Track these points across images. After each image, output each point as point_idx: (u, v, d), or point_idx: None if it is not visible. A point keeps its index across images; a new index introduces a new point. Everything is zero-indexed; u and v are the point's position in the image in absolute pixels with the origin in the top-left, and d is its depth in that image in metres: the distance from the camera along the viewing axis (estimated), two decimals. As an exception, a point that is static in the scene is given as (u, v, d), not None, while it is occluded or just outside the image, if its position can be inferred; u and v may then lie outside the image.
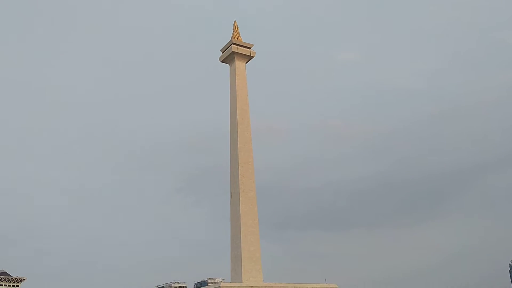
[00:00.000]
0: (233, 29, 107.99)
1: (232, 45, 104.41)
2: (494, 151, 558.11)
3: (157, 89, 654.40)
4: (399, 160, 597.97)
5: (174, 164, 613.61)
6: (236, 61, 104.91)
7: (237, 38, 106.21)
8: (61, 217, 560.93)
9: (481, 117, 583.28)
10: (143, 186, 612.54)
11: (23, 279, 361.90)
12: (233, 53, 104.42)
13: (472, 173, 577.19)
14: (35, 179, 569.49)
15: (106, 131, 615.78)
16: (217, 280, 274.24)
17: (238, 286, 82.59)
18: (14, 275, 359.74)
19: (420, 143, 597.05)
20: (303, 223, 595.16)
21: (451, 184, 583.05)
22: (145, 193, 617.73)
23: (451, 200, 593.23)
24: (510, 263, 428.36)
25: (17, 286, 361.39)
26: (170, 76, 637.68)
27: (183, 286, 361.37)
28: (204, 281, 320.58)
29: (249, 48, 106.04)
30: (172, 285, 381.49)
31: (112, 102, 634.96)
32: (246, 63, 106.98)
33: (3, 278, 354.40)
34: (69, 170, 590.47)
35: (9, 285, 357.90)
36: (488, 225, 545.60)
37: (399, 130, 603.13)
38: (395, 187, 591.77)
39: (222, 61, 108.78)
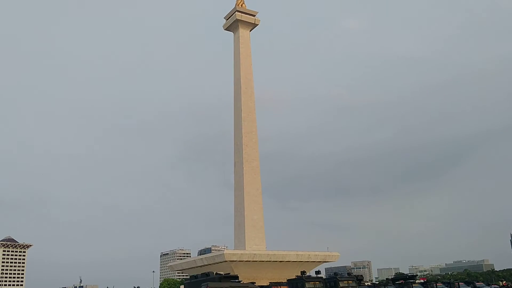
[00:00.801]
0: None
1: (236, 12, 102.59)
2: (499, 119, 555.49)
3: (162, 59, 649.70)
4: (402, 128, 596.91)
5: (179, 133, 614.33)
6: (240, 29, 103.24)
7: (241, 6, 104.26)
8: (68, 184, 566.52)
9: (486, 85, 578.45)
10: (148, 153, 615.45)
11: (30, 245, 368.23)
12: (237, 20, 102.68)
13: (476, 140, 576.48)
14: (42, 148, 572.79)
15: (113, 101, 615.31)
16: (220, 247, 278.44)
17: (241, 254, 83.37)
18: (20, 242, 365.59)
19: (424, 112, 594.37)
20: (306, 192, 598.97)
21: (455, 152, 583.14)
22: (150, 160, 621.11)
23: (454, 167, 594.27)
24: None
25: (24, 252, 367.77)
26: (175, 46, 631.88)
27: (187, 253, 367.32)
28: (208, 248, 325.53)
29: (253, 15, 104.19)
30: (177, 252, 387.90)
31: (118, 73, 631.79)
32: (250, 31, 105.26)
33: (10, 244, 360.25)
34: (76, 137, 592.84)
35: (16, 251, 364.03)
36: (491, 192, 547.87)
37: (403, 99, 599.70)
38: (398, 155, 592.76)
39: (226, 29, 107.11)
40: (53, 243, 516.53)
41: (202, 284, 44.91)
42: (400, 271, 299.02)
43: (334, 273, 58.19)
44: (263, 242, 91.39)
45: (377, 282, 77.11)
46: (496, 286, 69.60)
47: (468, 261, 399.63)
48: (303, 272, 55.08)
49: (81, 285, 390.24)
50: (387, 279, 79.59)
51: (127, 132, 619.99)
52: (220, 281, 45.63)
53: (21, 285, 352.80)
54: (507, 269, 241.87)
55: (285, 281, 53.85)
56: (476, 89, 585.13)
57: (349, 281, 52.52)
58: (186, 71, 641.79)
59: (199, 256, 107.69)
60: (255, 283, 49.21)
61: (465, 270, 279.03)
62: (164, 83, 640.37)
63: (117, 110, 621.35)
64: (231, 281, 47.04)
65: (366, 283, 64.90)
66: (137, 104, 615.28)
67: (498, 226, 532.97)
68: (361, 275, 62.96)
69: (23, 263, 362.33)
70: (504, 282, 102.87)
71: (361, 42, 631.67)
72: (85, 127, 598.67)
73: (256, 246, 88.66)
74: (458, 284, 61.31)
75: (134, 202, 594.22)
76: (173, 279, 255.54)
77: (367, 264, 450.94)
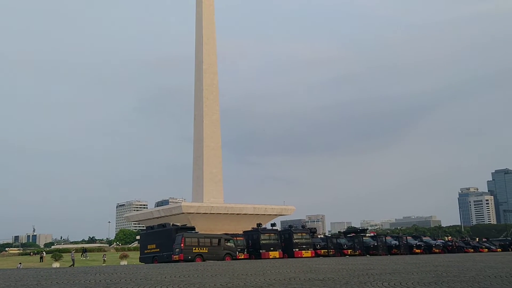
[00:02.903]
0: None
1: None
2: (459, 79, 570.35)
3: (122, 7, 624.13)
4: (361, 87, 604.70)
5: (137, 83, 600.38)
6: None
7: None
8: (23, 129, 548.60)
9: (448, 42, 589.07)
10: (106, 103, 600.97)
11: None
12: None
13: (430, 101, 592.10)
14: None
15: (73, 49, 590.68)
16: (178, 200, 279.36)
17: (199, 206, 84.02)
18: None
19: (381, 70, 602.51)
20: (265, 147, 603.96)
21: (409, 112, 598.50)
22: (108, 110, 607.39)
23: (408, 126, 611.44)
24: (460, 191, 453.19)
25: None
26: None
27: (144, 205, 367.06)
28: (165, 200, 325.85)
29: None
30: (133, 203, 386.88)
31: (75, 22, 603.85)
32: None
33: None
34: (30, 81, 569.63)
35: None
36: (441, 151, 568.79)
37: (363, 55, 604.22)
38: (355, 114, 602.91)
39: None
40: (3, 193, 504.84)
41: (177, 234, 45.45)
42: (352, 225, 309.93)
43: (289, 225, 59.49)
44: (221, 195, 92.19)
45: (329, 235, 79.63)
46: (441, 240, 73.09)
47: (416, 217, 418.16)
48: (259, 224, 56.07)
49: (34, 234, 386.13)
50: (339, 232, 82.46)
51: (83, 81, 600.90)
52: (177, 233, 46.14)
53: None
54: (453, 225, 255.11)
55: (241, 232, 54.72)
56: (441, 46, 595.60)
57: (303, 233, 53.78)
58: (146, 21, 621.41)
59: (156, 207, 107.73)
60: (228, 234, 50.06)
61: (413, 225, 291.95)
62: (123, 33, 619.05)
63: (76, 57, 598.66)
64: (195, 232, 47.98)
65: (319, 236, 66.77)
66: (95, 52, 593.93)
67: (446, 184, 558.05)
68: (315, 228, 64.79)
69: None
70: (450, 237, 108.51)
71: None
72: (42, 71, 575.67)
73: (214, 199, 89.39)
74: (406, 238, 63.94)
75: (90, 152, 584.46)
76: (129, 230, 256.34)
77: (321, 218, 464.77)
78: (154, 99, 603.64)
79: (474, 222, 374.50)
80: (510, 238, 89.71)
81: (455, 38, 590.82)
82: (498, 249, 68.73)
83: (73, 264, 60.54)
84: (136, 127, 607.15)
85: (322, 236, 71.07)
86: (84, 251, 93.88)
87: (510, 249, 70.10)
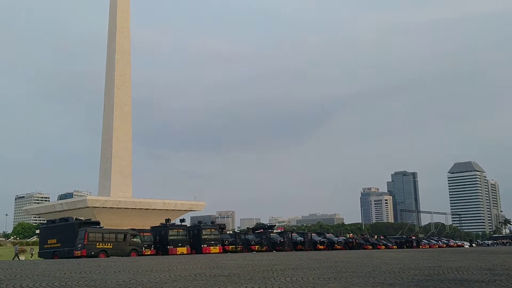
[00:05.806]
0: None
1: None
2: (366, 84, 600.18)
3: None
4: (274, 85, 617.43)
5: (43, 67, 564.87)
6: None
7: None
8: None
9: (354, 50, 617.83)
10: (4, 86, 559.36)
11: None
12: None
13: (341, 104, 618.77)
14: None
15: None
16: (83, 193, 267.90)
17: (105, 200, 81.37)
18: None
19: (295, 70, 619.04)
20: (178, 142, 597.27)
21: (319, 113, 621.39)
22: (7, 94, 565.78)
23: (318, 127, 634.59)
24: (362, 191, 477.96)
25: None
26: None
27: (46, 197, 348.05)
28: (69, 193, 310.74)
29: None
30: (34, 195, 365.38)
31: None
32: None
33: None
34: None
35: None
36: (346, 152, 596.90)
37: (277, 54, 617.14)
38: (268, 111, 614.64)
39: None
40: None
41: (80, 229, 43.66)
42: (261, 222, 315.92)
43: (198, 221, 59.31)
44: (130, 189, 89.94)
45: (238, 231, 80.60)
46: (343, 237, 76.70)
47: (321, 214, 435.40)
48: (167, 220, 55.38)
49: None
50: (247, 228, 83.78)
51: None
52: (80, 227, 44.43)
53: None
54: (354, 223, 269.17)
55: (149, 228, 53.70)
56: (347, 53, 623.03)
57: (212, 229, 53.81)
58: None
59: (59, 200, 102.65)
60: (135, 229, 48.90)
61: (318, 222, 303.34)
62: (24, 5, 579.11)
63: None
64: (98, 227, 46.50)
65: (228, 232, 67.29)
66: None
67: (350, 184, 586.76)
68: (224, 224, 65.20)
69: None
70: (351, 234, 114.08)
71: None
72: None
73: (122, 193, 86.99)
74: (311, 235, 66.25)
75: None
76: (28, 223, 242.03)
77: (231, 214, 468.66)
78: (62, 84, 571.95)
79: (374, 220, 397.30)
80: (405, 236, 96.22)
81: (366, 46, 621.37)
82: (394, 246, 73.55)
83: (17, 257, 57.37)
84: (40, 113, 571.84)
85: (231, 232, 71.68)
86: None
87: (405, 246, 75.24)
